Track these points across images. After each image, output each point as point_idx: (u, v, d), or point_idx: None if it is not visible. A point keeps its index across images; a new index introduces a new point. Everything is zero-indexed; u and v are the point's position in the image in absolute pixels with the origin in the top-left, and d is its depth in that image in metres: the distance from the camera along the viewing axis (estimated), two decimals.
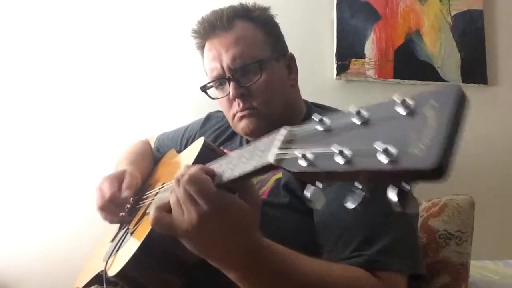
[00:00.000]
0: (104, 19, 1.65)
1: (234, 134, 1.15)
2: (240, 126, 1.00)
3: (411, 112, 0.37)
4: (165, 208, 0.64)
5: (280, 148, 0.48)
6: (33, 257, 1.52)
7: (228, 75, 0.98)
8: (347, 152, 0.39)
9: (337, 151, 0.39)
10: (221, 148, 1.10)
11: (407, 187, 0.36)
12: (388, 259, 0.73)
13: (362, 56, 1.74)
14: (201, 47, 1.07)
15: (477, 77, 1.81)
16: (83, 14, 1.64)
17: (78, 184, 1.55)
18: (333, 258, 0.76)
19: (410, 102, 0.37)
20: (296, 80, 1.08)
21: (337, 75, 1.72)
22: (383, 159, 0.35)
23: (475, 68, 1.81)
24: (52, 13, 1.62)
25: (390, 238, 0.75)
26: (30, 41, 1.61)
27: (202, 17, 1.04)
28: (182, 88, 1.66)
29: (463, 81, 1.79)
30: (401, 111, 0.37)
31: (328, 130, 0.44)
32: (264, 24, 1.04)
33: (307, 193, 0.44)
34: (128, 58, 1.65)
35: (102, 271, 0.91)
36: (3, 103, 1.58)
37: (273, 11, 1.08)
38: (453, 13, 1.82)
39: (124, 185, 1.02)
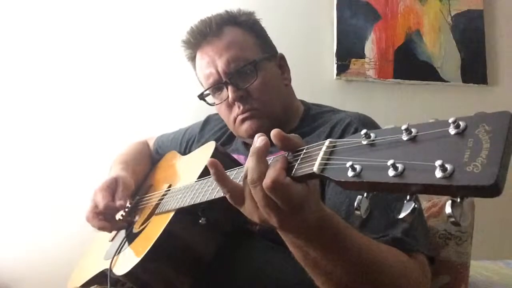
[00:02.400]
0: (104, 21, 1.65)
1: (232, 136, 1.15)
2: (243, 128, 1.00)
3: (461, 133, 0.39)
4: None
5: (323, 159, 0.50)
6: (33, 257, 1.52)
7: (224, 79, 0.99)
8: (399, 165, 0.41)
9: (389, 164, 0.41)
10: None
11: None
12: (412, 240, 0.75)
13: (362, 56, 1.74)
14: (192, 58, 1.08)
15: (477, 77, 1.81)
16: (83, 15, 1.64)
17: (78, 185, 1.55)
18: None
19: (461, 123, 0.39)
20: (289, 79, 1.09)
21: (337, 75, 1.72)
22: (439, 174, 0.37)
23: (475, 68, 1.81)
24: (52, 14, 1.62)
25: (409, 222, 0.76)
26: (30, 42, 1.61)
27: (191, 27, 1.05)
28: (181, 89, 1.66)
29: (463, 81, 1.80)
30: (452, 131, 0.39)
31: (372, 144, 0.46)
32: (252, 28, 1.05)
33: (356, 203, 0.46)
34: (128, 60, 1.65)
35: (106, 269, 0.91)
36: (3, 103, 1.58)
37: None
38: (453, 13, 1.82)
39: (118, 194, 1.03)
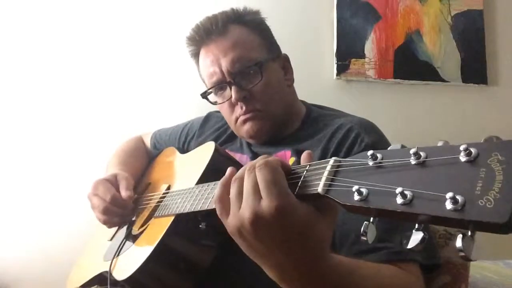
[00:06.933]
0: (104, 18, 1.65)
1: (234, 134, 1.14)
2: (244, 129, 1.00)
3: (473, 161, 0.37)
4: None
5: (328, 179, 0.48)
6: (33, 257, 1.52)
7: (228, 79, 0.98)
8: (407, 193, 0.39)
9: (398, 191, 0.39)
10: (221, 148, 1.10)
11: (470, 233, 0.36)
12: (410, 250, 0.73)
13: (362, 56, 1.74)
14: (196, 55, 1.07)
15: (477, 77, 1.81)
16: (83, 13, 1.64)
17: (77, 184, 1.55)
18: (354, 250, 0.76)
19: (472, 150, 0.37)
20: (292, 80, 1.08)
21: (337, 75, 1.72)
22: (450, 206, 0.36)
23: (475, 68, 1.81)
24: (52, 13, 1.62)
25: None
26: (30, 41, 1.60)
27: (197, 24, 1.04)
28: (181, 87, 1.66)
29: (463, 81, 1.79)
30: (462, 158, 0.38)
31: (379, 166, 0.44)
32: (257, 27, 1.04)
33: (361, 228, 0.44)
34: (128, 58, 1.65)
35: (106, 272, 0.91)
36: (3, 103, 1.58)
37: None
38: (453, 13, 1.82)
39: (123, 186, 1.02)
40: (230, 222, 0.53)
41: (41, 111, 1.59)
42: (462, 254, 0.36)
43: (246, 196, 0.50)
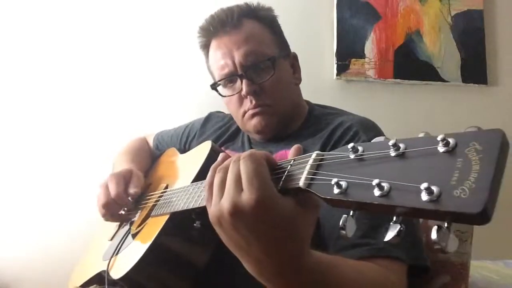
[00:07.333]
0: (106, 18, 1.65)
1: (235, 134, 1.14)
2: (252, 123, 1.00)
3: (451, 151, 0.36)
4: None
5: (309, 173, 0.47)
6: (32, 257, 1.52)
7: (240, 72, 0.98)
8: (385, 185, 0.39)
9: (374, 183, 0.39)
10: (222, 148, 1.10)
11: (446, 225, 0.36)
12: (393, 247, 0.73)
13: (362, 56, 1.74)
14: (206, 46, 1.06)
15: (477, 77, 1.81)
16: (84, 12, 1.64)
17: (78, 184, 1.55)
18: (338, 245, 0.76)
19: (450, 140, 0.37)
20: (299, 79, 1.09)
21: (337, 75, 1.72)
22: (425, 197, 0.35)
23: (475, 68, 1.81)
24: (52, 12, 1.62)
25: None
26: (30, 41, 1.61)
27: (211, 15, 1.04)
28: (183, 87, 1.66)
29: (463, 81, 1.80)
30: (440, 149, 0.37)
31: (360, 159, 0.44)
32: (270, 24, 1.05)
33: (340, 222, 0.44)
34: (130, 58, 1.65)
35: (104, 271, 0.91)
36: (3, 103, 1.58)
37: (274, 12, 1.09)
38: (453, 13, 1.82)
39: (133, 183, 1.01)
40: (211, 211, 0.53)
41: (42, 111, 1.60)
42: (438, 246, 0.36)
43: (228, 187, 0.50)
